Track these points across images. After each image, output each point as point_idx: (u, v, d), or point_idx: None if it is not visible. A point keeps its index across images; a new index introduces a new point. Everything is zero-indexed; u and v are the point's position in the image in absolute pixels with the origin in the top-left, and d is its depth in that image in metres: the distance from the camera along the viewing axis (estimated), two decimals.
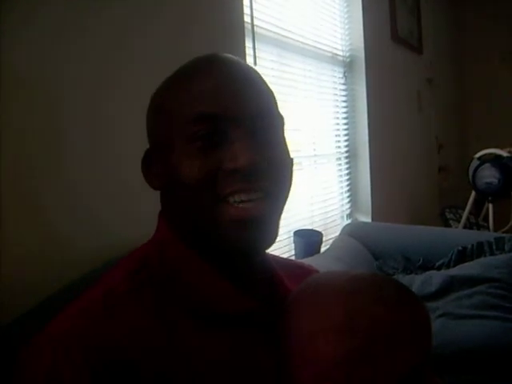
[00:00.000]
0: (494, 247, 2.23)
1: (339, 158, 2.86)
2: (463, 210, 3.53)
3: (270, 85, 0.82)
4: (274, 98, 0.82)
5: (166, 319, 0.74)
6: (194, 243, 0.79)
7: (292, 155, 0.82)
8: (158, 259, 0.80)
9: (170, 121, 0.77)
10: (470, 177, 3.24)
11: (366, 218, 2.91)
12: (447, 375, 1.82)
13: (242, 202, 0.74)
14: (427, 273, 2.22)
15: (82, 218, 1.22)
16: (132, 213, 1.34)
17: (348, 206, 2.91)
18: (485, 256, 2.22)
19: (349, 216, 2.91)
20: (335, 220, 2.77)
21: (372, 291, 0.76)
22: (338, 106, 2.85)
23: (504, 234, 2.39)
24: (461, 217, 3.52)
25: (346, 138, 2.90)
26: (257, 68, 0.86)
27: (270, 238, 0.77)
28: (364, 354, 0.71)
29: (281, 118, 0.81)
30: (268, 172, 0.76)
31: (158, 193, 0.84)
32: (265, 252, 0.85)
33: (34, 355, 0.67)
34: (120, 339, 0.69)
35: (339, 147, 2.86)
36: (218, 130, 0.74)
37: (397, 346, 0.72)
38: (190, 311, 0.75)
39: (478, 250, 2.24)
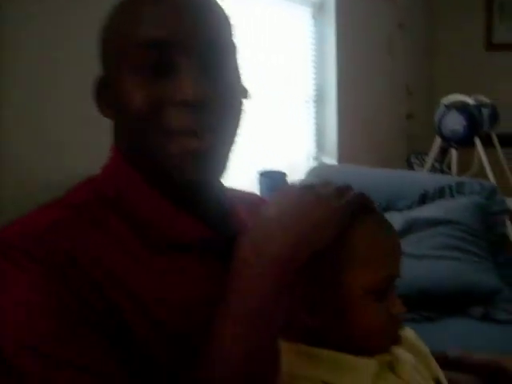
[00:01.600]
0: (455, 191, 2.28)
1: (307, 101, 2.85)
2: (429, 156, 3.57)
3: (226, 12, 0.79)
4: (230, 26, 0.79)
5: (122, 243, 0.75)
6: (146, 174, 0.78)
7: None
8: (112, 189, 0.80)
9: (118, 46, 0.75)
10: (436, 123, 3.27)
11: (332, 160, 2.93)
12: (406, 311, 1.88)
13: (188, 135, 0.73)
14: (389, 214, 2.26)
15: (43, 152, 1.21)
16: (94, 145, 1.33)
17: (314, 148, 2.93)
18: (446, 199, 2.27)
19: (315, 158, 2.93)
20: (301, 162, 2.78)
21: None
22: (306, 48, 2.82)
23: (465, 179, 2.44)
24: (426, 163, 3.57)
25: (313, 81, 2.89)
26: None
27: (217, 171, 0.77)
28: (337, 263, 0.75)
29: (234, 47, 0.79)
30: (217, 105, 0.74)
31: None
32: (221, 185, 0.86)
33: None
34: (73, 250, 0.70)
35: (306, 90, 2.85)
36: (166, 58, 0.72)
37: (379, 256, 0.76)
38: (146, 240, 0.76)
39: (440, 193, 2.29)
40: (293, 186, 0.75)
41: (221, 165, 0.78)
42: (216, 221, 0.84)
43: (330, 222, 0.72)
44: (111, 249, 0.74)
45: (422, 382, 0.83)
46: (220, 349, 0.69)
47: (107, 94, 0.78)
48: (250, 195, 1.05)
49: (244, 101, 0.81)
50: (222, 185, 0.89)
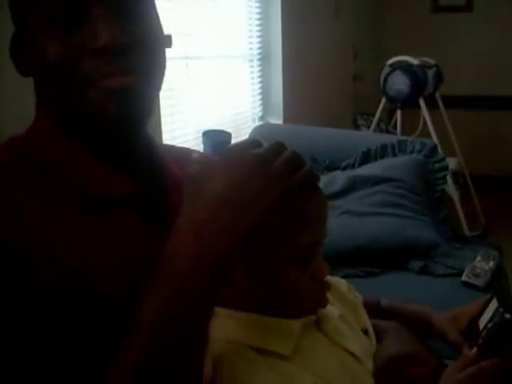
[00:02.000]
0: (397, 149, 2.31)
1: (251, 60, 2.82)
2: (375, 117, 3.60)
3: None
4: None
5: (43, 203, 0.73)
6: (69, 129, 0.76)
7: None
8: (35, 148, 0.77)
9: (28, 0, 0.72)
10: (381, 83, 3.29)
11: (277, 121, 2.93)
12: (345, 267, 1.91)
13: (108, 77, 0.71)
14: (332, 173, 2.28)
15: None
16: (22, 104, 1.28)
17: (260, 108, 2.91)
18: (388, 157, 2.30)
19: (260, 118, 2.92)
20: (246, 122, 2.77)
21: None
22: (251, 6, 2.78)
23: (407, 137, 2.47)
24: (372, 124, 3.60)
25: (258, 39, 2.86)
26: None
27: (141, 110, 0.75)
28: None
29: None
30: (136, 50, 0.72)
31: None
32: (149, 137, 0.85)
33: None
34: None
35: (251, 48, 2.82)
36: (77, 6, 0.70)
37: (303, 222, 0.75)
38: (69, 197, 0.74)
39: (382, 152, 2.31)
40: (237, 149, 0.71)
41: (145, 104, 0.75)
42: (145, 174, 0.83)
43: (272, 193, 0.68)
44: (34, 211, 0.72)
45: (349, 333, 0.85)
46: (147, 316, 0.66)
47: (24, 52, 0.75)
48: (180, 149, 1.04)
49: (166, 48, 0.79)
50: (151, 138, 0.87)
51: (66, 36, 0.70)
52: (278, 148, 0.70)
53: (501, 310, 0.83)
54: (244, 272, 0.76)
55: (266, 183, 0.67)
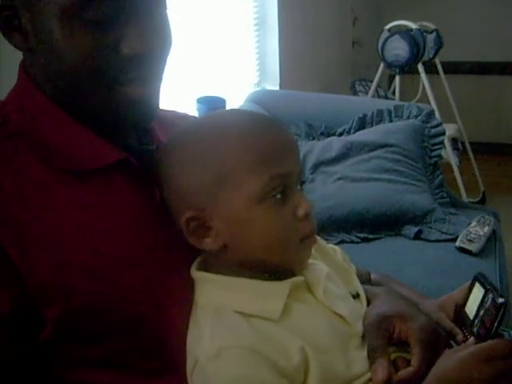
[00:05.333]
0: (393, 115, 2.29)
1: (247, 25, 2.78)
2: (373, 82, 3.56)
3: None
4: None
5: (25, 172, 0.72)
6: (57, 99, 0.76)
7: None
8: (18, 112, 0.76)
9: None
10: (380, 48, 3.24)
11: (274, 87, 2.90)
12: (341, 232, 1.91)
13: (134, 84, 0.73)
14: (328, 139, 2.27)
15: None
16: None
17: (256, 74, 2.88)
18: (384, 123, 2.28)
19: (257, 85, 2.89)
20: (242, 88, 2.74)
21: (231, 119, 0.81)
22: None
23: (403, 102, 2.44)
24: (370, 90, 3.56)
25: (254, 3, 2.81)
26: None
27: (152, 119, 0.79)
28: (223, 176, 0.74)
29: None
30: (159, 54, 0.75)
31: None
32: None
33: None
34: None
35: (247, 13, 2.78)
36: (107, 7, 0.68)
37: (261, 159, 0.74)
38: (55, 166, 0.74)
39: (378, 117, 2.29)
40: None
41: (156, 112, 0.78)
42: (129, 139, 0.83)
43: None
44: (17, 182, 0.71)
45: (336, 293, 0.84)
46: None
47: (20, 23, 0.72)
48: (165, 111, 1.03)
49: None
50: None
51: (94, 36, 0.69)
52: None
53: (491, 294, 0.80)
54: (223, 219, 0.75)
55: None
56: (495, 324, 0.77)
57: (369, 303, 0.89)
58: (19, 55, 0.79)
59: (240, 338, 0.72)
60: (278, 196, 0.75)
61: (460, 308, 0.87)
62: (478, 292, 0.84)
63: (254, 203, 0.74)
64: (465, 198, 3.20)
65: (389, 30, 3.29)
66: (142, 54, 0.70)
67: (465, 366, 0.73)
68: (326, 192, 2.01)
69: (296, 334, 0.74)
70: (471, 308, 0.84)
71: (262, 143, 0.75)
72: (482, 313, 0.80)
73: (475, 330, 0.80)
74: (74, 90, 0.73)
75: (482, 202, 3.59)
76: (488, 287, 0.82)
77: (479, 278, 0.85)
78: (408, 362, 0.79)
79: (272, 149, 0.75)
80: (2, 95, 0.81)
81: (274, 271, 0.78)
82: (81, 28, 0.68)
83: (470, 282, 0.88)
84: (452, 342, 0.86)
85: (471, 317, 0.83)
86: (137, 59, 0.70)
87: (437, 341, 0.81)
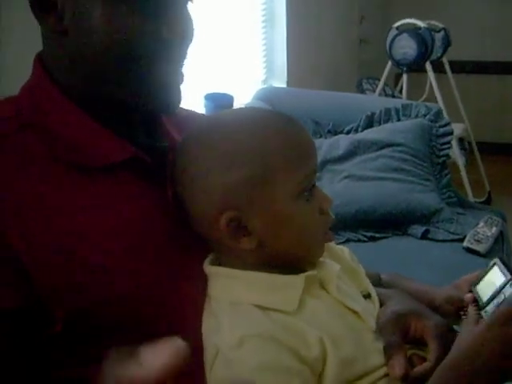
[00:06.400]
0: (401, 114, 2.28)
1: (255, 22, 2.78)
2: (380, 81, 3.55)
3: None
4: None
5: (37, 166, 0.72)
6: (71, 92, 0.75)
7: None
8: (31, 105, 0.76)
9: None
10: (387, 47, 3.23)
11: (281, 84, 2.90)
12: (347, 231, 1.91)
13: (169, 69, 0.75)
14: (335, 137, 2.26)
15: None
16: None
17: (263, 71, 2.88)
18: (392, 122, 2.27)
19: (264, 82, 2.88)
20: (249, 85, 2.73)
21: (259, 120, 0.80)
22: None
23: (411, 101, 2.43)
24: (378, 88, 3.55)
25: (262, 1, 2.80)
26: None
27: (178, 105, 0.81)
28: (261, 175, 0.74)
29: None
30: (190, 42, 0.77)
31: None
32: None
33: None
34: None
35: (255, 11, 2.77)
36: None
37: (289, 161, 0.76)
38: (65, 162, 0.73)
39: (386, 116, 2.28)
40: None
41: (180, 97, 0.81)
42: (142, 135, 0.82)
43: None
44: (26, 175, 0.71)
45: (348, 291, 0.84)
46: None
47: (55, 3, 0.71)
48: (185, 111, 1.03)
49: None
50: None
51: (142, 19, 0.70)
52: None
53: None
54: (248, 224, 0.75)
55: None
56: None
57: (381, 305, 0.89)
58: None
59: (260, 327, 0.73)
60: (307, 192, 0.77)
61: (472, 285, 0.86)
62: (495, 276, 0.81)
63: (291, 201, 0.76)
64: (471, 197, 3.19)
65: (397, 28, 3.28)
66: (181, 38, 0.73)
67: (485, 334, 0.72)
68: (332, 190, 2.00)
69: (313, 325, 0.75)
70: (484, 290, 0.82)
71: (296, 142, 0.77)
72: (497, 300, 0.77)
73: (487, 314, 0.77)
74: (100, 77, 0.73)
75: (488, 202, 3.58)
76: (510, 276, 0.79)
77: (500, 264, 0.82)
78: (423, 360, 0.79)
79: (305, 147, 0.78)
80: (2, 95, 0.81)
81: (291, 266, 0.79)
82: (123, 12, 0.69)
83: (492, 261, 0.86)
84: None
85: (484, 299, 0.80)
86: (175, 43, 0.73)
87: (451, 339, 0.80)
